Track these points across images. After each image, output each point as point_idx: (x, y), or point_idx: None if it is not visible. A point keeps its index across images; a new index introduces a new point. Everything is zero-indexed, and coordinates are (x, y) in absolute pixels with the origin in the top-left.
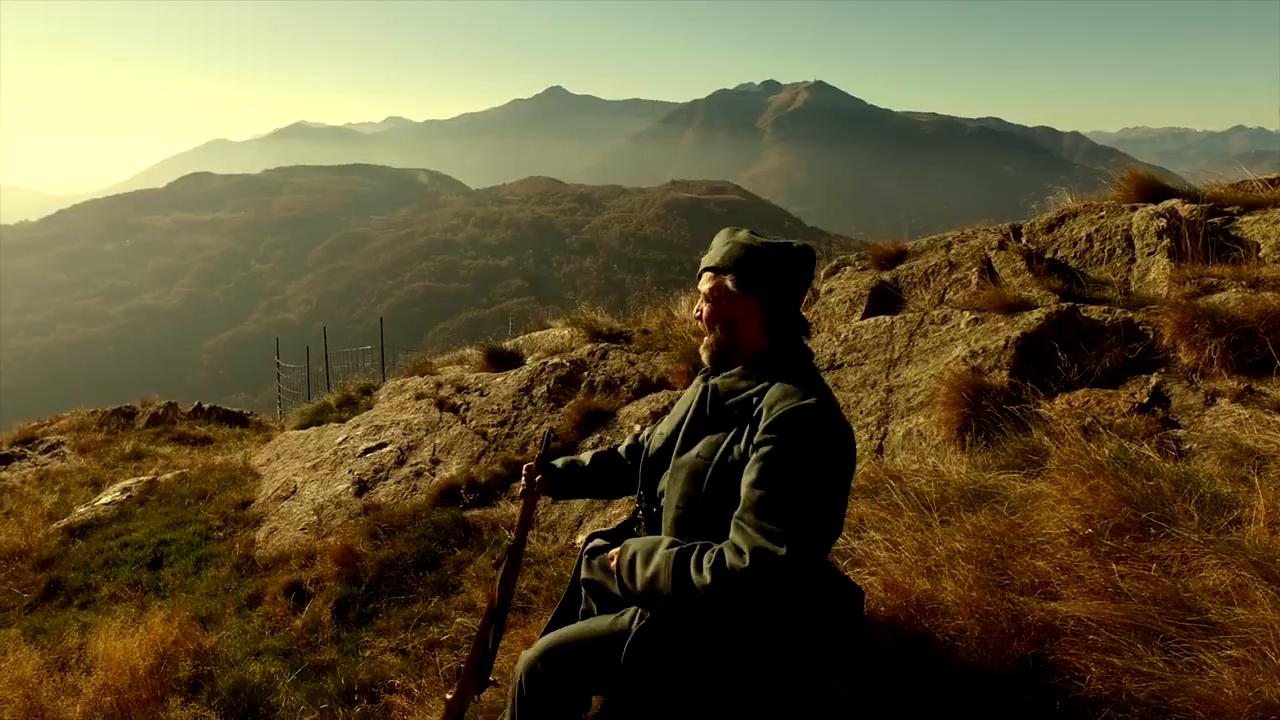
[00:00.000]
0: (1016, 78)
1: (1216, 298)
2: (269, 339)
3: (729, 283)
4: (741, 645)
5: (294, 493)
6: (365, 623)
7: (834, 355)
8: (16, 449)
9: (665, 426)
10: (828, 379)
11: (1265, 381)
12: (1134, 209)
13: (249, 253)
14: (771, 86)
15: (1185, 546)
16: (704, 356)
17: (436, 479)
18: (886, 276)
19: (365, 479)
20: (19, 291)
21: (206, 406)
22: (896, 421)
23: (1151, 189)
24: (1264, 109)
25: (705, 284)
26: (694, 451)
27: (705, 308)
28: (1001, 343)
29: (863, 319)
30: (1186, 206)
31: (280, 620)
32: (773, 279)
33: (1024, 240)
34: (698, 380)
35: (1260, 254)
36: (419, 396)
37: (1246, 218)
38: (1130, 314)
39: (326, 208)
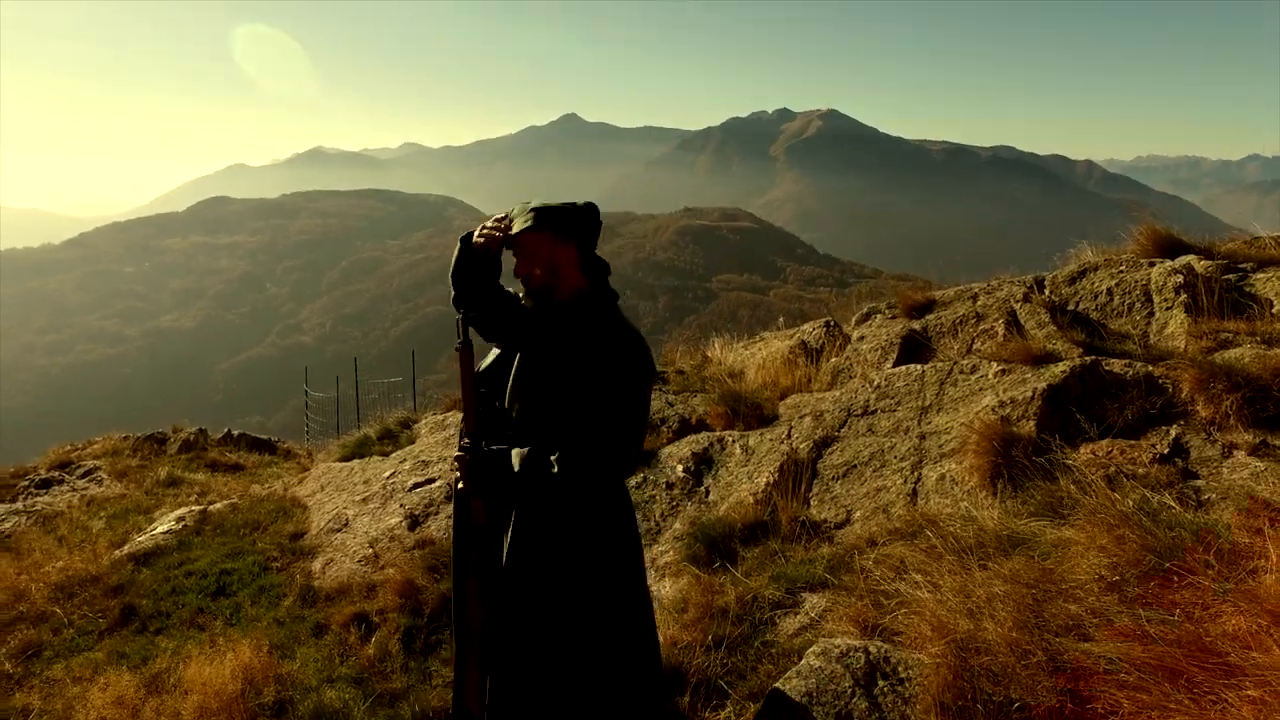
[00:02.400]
0: (1028, 107)
1: (1232, 353)
2: (283, 361)
3: (549, 230)
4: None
5: (346, 525)
6: (431, 652)
7: (868, 401)
8: (55, 473)
9: (490, 358)
10: (861, 425)
11: (1279, 435)
12: (1152, 264)
13: (265, 275)
14: (784, 114)
15: (1206, 594)
16: (526, 299)
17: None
18: (916, 325)
19: (417, 513)
20: (41, 311)
21: (236, 433)
22: (930, 467)
23: (1168, 244)
24: (1279, 137)
25: (527, 242)
26: (533, 370)
27: (529, 256)
28: (1029, 394)
29: (894, 366)
30: (1202, 263)
31: (349, 649)
32: (583, 227)
33: (1047, 292)
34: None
35: (1274, 310)
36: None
37: (1260, 275)
38: (1150, 368)
39: (342, 232)
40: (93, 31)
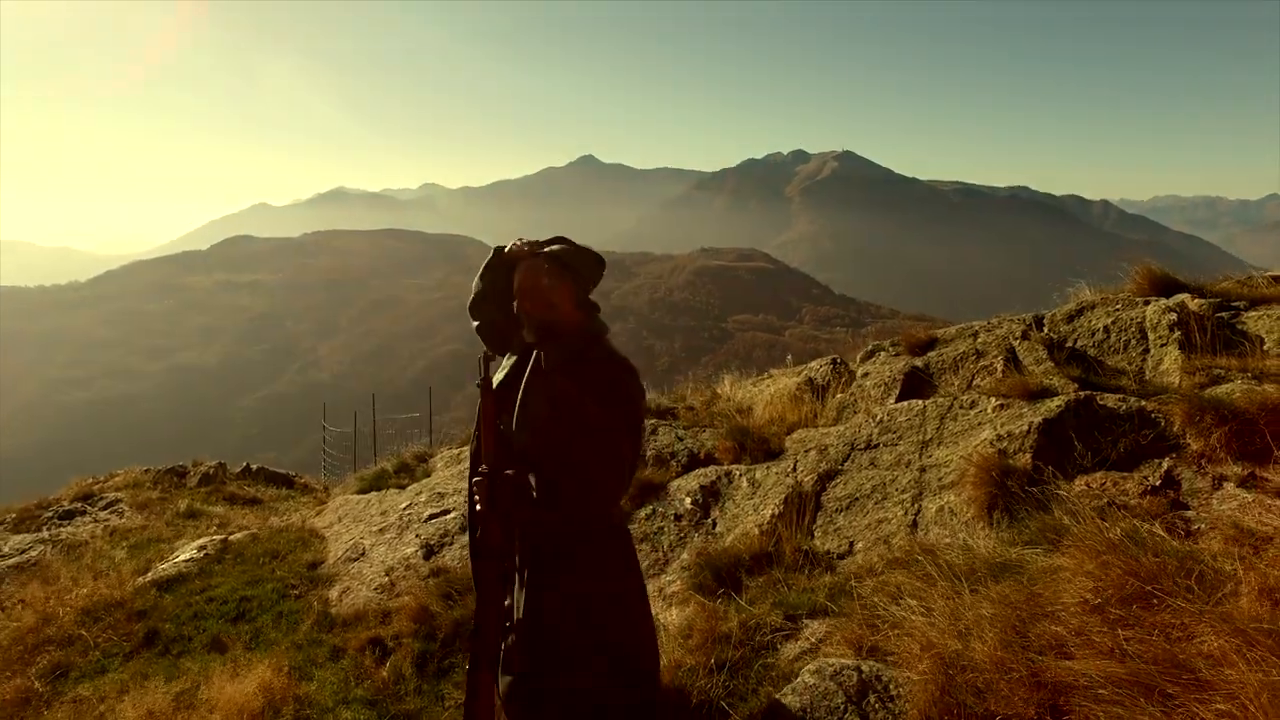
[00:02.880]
0: (1042, 148)
1: (1223, 389)
2: (300, 398)
3: (548, 269)
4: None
5: (363, 555)
6: (444, 676)
7: (870, 436)
8: (78, 505)
9: (500, 378)
10: (864, 458)
11: (1267, 468)
12: (1147, 302)
13: (285, 313)
14: (799, 156)
15: (1184, 616)
16: (527, 335)
17: None
18: (918, 362)
19: (432, 543)
20: (66, 348)
21: (254, 468)
22: (929, 499)
23: (1163, 283)
24: None
25: (535, 273)
26: (536, 401)
27: (528, 293)
28: (1025, 427)
29: (897, 402)
30: (1196, 301)
31: (365, 672)
32: (580, 268)
33: (1046, 330)
34: (518, 350)
35: (1265, 348)
36: None
37: (1252, 313)
38: (1143, 402)
39: (361, 270)
40: (125, 77)
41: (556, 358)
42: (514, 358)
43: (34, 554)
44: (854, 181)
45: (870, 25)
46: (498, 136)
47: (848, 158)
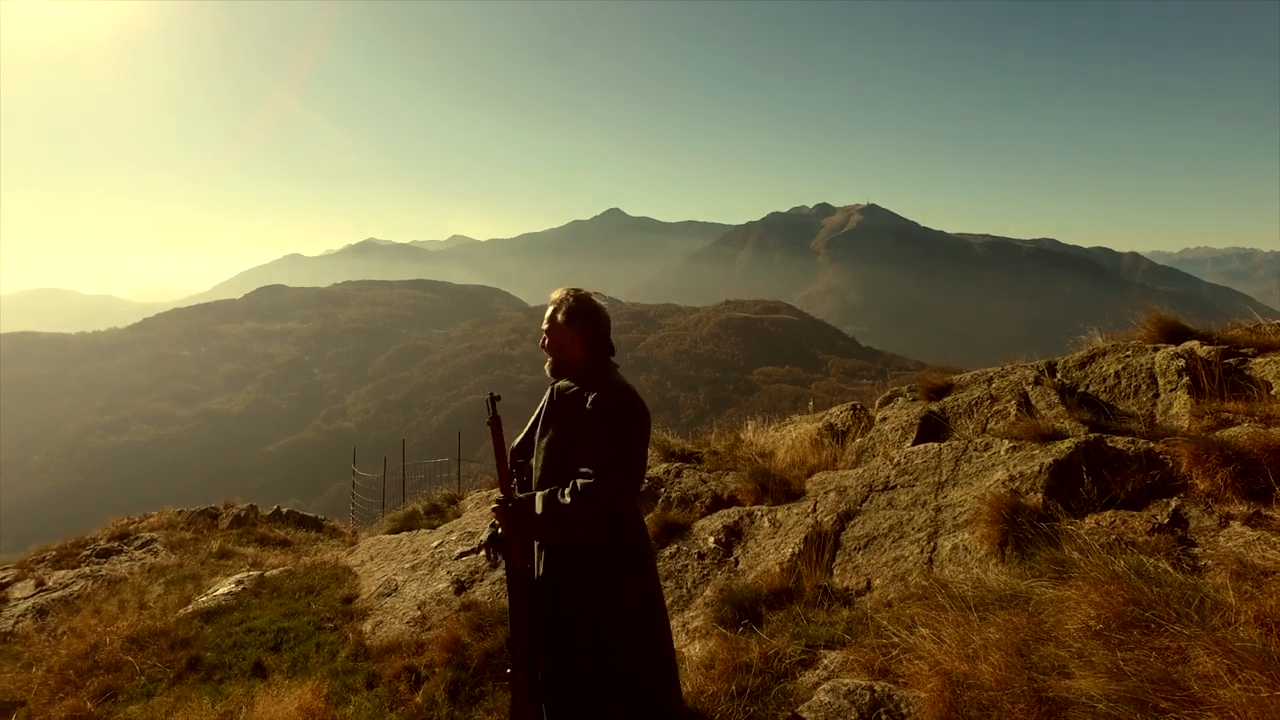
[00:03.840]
0: (1068, 200)
1: (1230, 432)
2: (325, 446)
3: (560, 319)
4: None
5: (395, 590)
6: (475, 703)
7: (888, 477)
8: (114, 544)
9: (528, 425)
10: (882, 499)
11: (1272, 507)
12: (1156, 349)
13: (314, 361)
14: (825, 209)
15: (1181, 640)
16: (547, 369)
17: None
18: (935, 407)
19: (463, 579)
20: (102, 393)
21: (285, 510)
22: (944, 537)
23: (1173, 330)
24: None
25: (546, 322)
26: (550, 432)
27: (546, 337)
28: (1036, 468)
29: (914, 445)
30: (1204, 348)
31: (400, 698)
32: (584, 319)
33: (1058, 376)
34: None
35: (1271, 392)
36: None
37: (1259, 359)
38: (1151, 444)
39: (390, 320)
40: (172, 133)
41: (565, 389)
42: (546, 393)
43: (76, 588)
44: (880, 234)
45: (895, 78)
46: (526, 190)
47: (873, 210)
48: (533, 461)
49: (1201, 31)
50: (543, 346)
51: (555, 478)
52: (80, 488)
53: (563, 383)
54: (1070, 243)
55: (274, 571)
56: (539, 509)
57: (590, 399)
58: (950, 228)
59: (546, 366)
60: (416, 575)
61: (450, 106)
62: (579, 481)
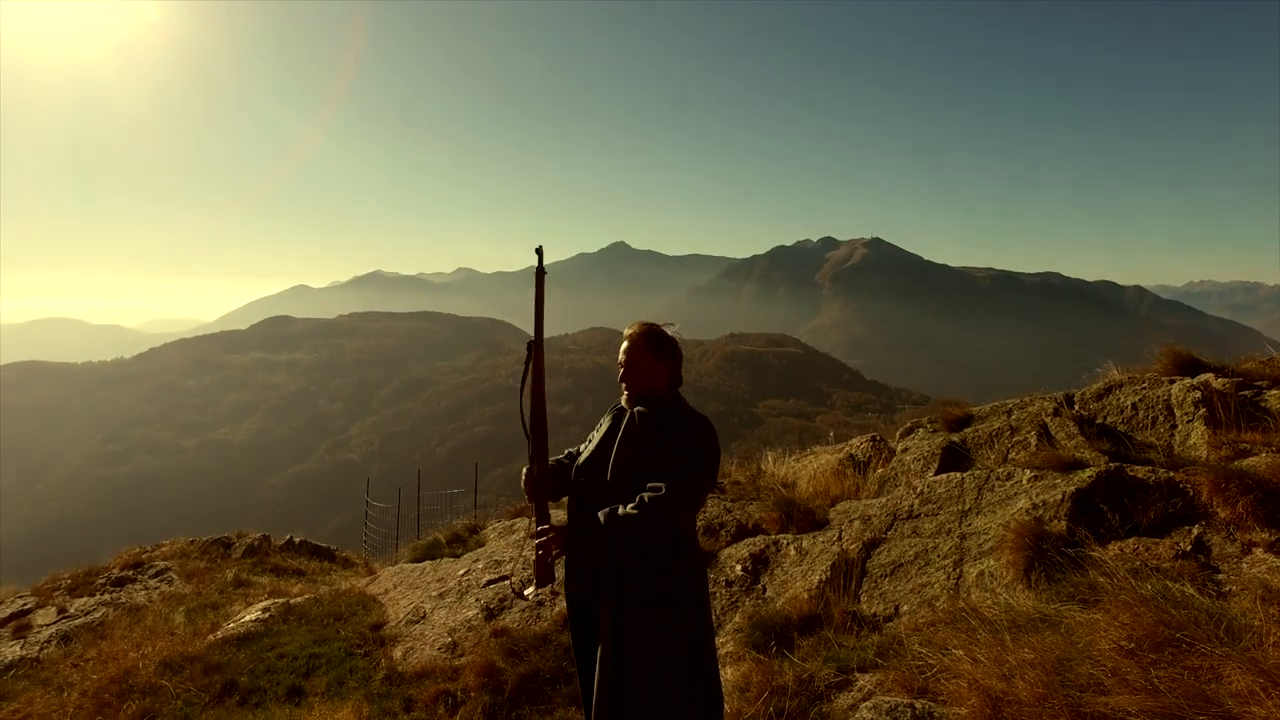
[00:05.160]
0: (1074, 233)
1: (1248, 461)
2: (329, 477)
3: (653, 351)
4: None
5: (424, 617)
6: None
7: (912, 506)
8: (128, 573)
9: (591, 446)
10: (906, 527)
11: None
12: (1172, 381)
13: (319, 392)
14: (829, 243)
15: (1213, 660)
16: (625, 399)
17: (557, 609)
18: (955, 438)
19: (492, 606)
20: (107, 422)
21: (298, 540)
22: (970, 564)
23: (1187, 363)
24: None
25: (633, 353)
26: (624, 456)
27: (632, 367)
28: (1059, 497)
29: (936, 474)
30: (1219, 380)
31: None
32: (674, 352)
33: (1076, 407)
34: (612, 413)
35: None
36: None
37: (1273, 391)
38: (1171, 473)
39: (395, 352)
40: (180, 165)
41: (648, 415)
42: (608, 419)
43: (98, 615)
44: (884, 268)
45: (897, 111)
46: (531, 222)
47: (877, 244)
48: (607, 477)
49: (1205, 72)
50: (622, 376)
51: (626, 490)
52: (81, 518)
53: (638, 408)
54: (1074, 275)
55: (300, 599)
56: (602, 521)
57: (671, 426)
58: (954, 261)
59: (625, 394)
60: (445, 603)
61: (457, 139)
62: (645, 495)
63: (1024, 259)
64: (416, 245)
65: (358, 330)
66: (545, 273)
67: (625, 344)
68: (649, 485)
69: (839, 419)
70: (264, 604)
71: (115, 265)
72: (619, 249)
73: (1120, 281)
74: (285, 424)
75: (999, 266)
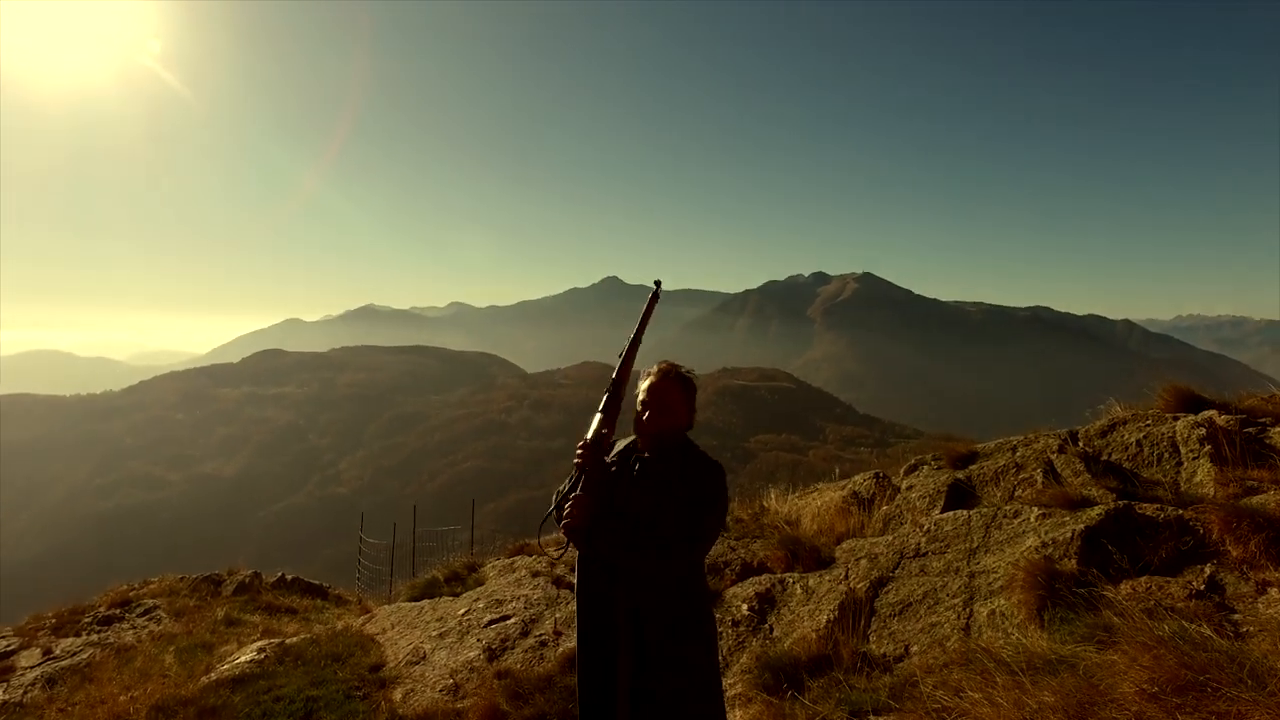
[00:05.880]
0: (1062, 267)
1: (1257, 499)
2: (319, 511)
3: (682, 391)
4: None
5: (424, 658)
6: None
7: (919, 544)
8: (115, 611)
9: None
10: (914, 566)
11: None
12: (1176, 418)
13: (309, 426)
14: (820, 277)
15: (1240, 705)
16: (639, 439)
17: (561, 649)
18: (960, 475)
19: (494, 647)
20: (94, 456)
21: (289, 578)
22: (980, 603)
23: (1189, 399)
24: None
25: (660, 391)
26: (639, 496)
27: (660, 407)
28: (1068, 535)
29: (942, 512)
30: (1223, 417)
31: None
32: (694, 394)
33: (1080, 444)
34: (620, 452)
35: None
36: (535, 574)
37: (1278, 428)
38: (1180, 511)
39: (387, 386)
40: (169, 196)
41: (668, 457)
42: (619, 458)
43: (85, 656)
44: (875, 302)
45: (886, 146)
46: (524, 257)
47: (868, 279)
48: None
49: (1188, 107)
50: (649, 417)
51: (645, 521)
52: (67, 553)
53: (654, 448)
54: (1064, 310)
55: (295, 639)
56: (624, 558)
57: (689, 468)
58: (945, 295)
59: (641, 435)
60: (445, 643)
61: (452, 174)
62: (667, 535)
63: (1015, 293)
64: (409, 279)
65: (349, 364)
66: (658, 299)
67: (653, 382)
68: (669, 525)
69: (831, 453)
70: (258, 644)
71: (105, 298)
72: (611, 284)
73: (1109, 315)
74: (274, 458)
75: (990, 301)
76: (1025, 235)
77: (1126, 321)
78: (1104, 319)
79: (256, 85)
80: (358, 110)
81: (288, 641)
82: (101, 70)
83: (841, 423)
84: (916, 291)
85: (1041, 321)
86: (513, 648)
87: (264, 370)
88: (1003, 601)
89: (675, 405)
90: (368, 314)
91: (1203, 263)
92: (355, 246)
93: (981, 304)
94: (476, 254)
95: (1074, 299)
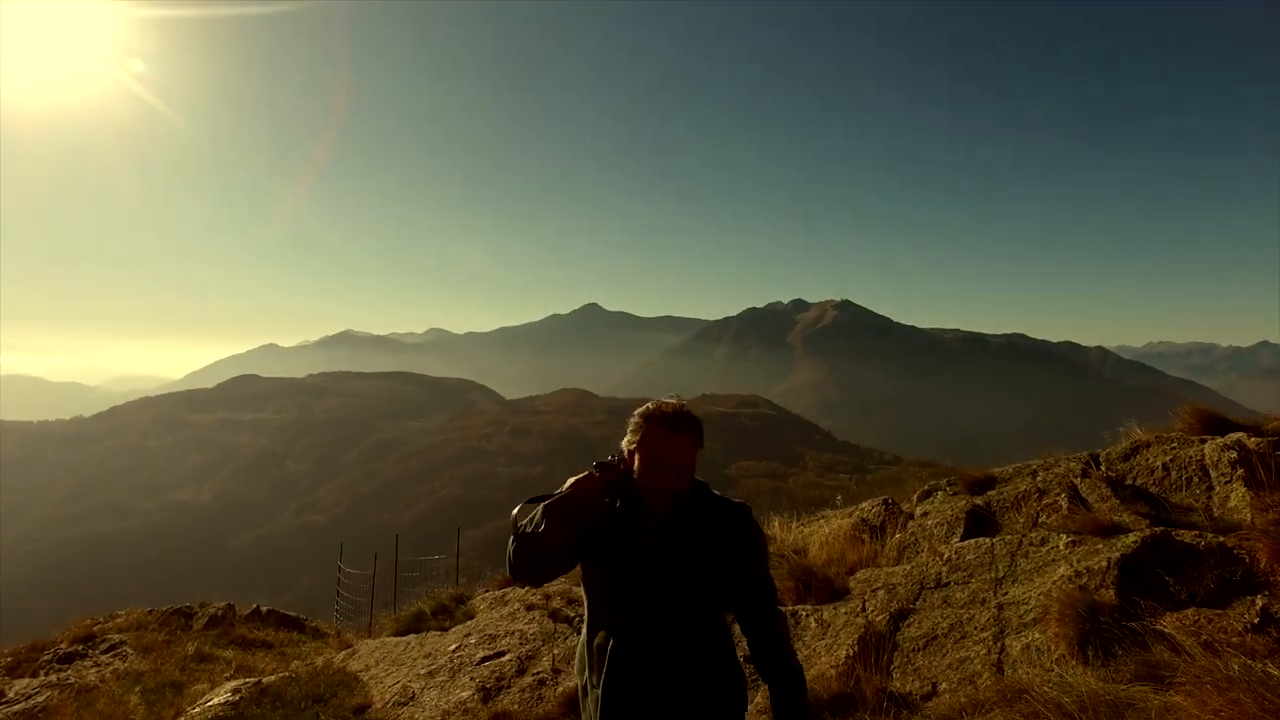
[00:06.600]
0: (1037, 296)
1: None
2: (294, 539)
3: (696, 441)
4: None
5: (413, 699)
6: None
7: (940, 574)
8: (77, 647)
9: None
10: (936, 597)
11: None
12: (1203, 441)
13: (286, 453)
14: (799, 305)
15: None
16: (658, 499)
17: (560, 688)
18: (979, 501)
19: (488, 686)
20: (65, 483)
21: (265, 610)
22: (1012, 637)
23: (1213, 421)
24: None
25: (685, 448)
26: (686, 571)
27: (678, 466)
28: (1104, 564)
29: (962, 540)
30: (1253, 439)
31: None
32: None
33: (1103, 468)
34: (624, 516)
35: None
36: (529, 608)
37: None
38: (1222, 538)
39: (365, 412)
40: (144, 222)
41: (703, 516)
42: (615, 519)
43: (41, 699)
44: (854, 329)
45: (863, 174)
46: (504, 282)
47: (846, 307)
48: (650, 578)
49: (1159, 140)
50: (664, 480)
51: (693, 599)
52: (33, 584)
53: (665, 506)
54: (1039, 337)
55: (273, 678)
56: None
57: (727, 526)
58: (922, 322)
59: (662, 497)
60: (435, 682)
61: (430, 200)
62: (779, 636)
63: (990, 320)
64: (388, 306)
65: (327, 390)
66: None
67: (665, 436)
68: (764, 612)
69: (811, 480)
70: (233, 684)
71: (77, 323)
72: (591, 311)
73: (1083, 343)
74: (250, 485)
75: (966, 328)
76: (1001, 263)
77: (1100, 348)
78: (1078, 345)
79: (231, 105)
80: (335, 135)
81: (265, 680)
82: (76, 87)
83: (821, 449)
84: (894, 319)
85: (1017, 348)
86: (509, 687)
87: (240, 396)
88: (1037, 635)
89: (691, 463)
90: (346, 340)
91: (1171, 291)
92: (334, 272)
93: (958, 331)
94: (456, 280)
95: (1049, 326)
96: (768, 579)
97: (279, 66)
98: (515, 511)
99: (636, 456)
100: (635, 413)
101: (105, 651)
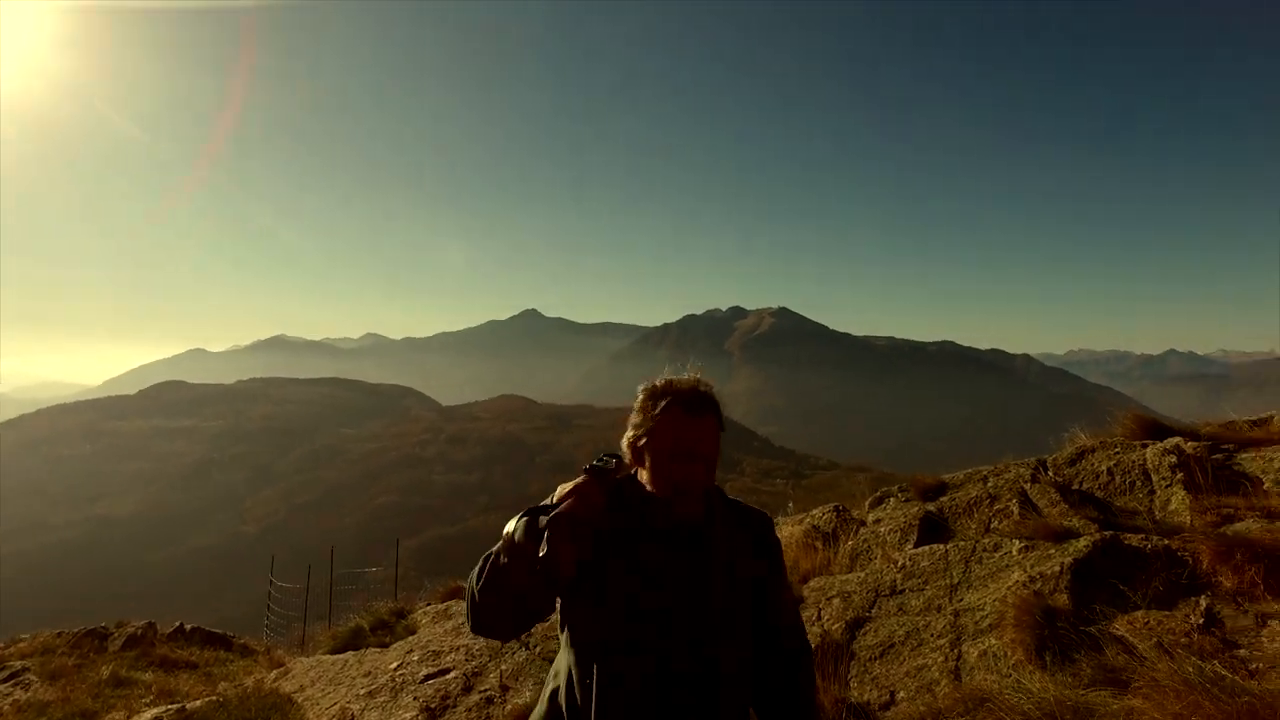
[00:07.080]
0: (965, 303)
1: (1239, 526)
2: (223, 552)
3: (720, 425)
4: None
5: None
6: None
7: (894, 581)
8: None
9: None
10: (891, 604)
11: None
12: (1144, 445)
13: (215, 462)
14: (737, 311)
15: None
16: (683, 501)
17: (509, 706)
18: (932, 507)
19: (433, 706)
20: None
21: (189, 628)
22: (969, 644)
23: (1153, 427)
24: (1193, 333)
25: (708, 435)
26: (725, 596)
27: (710, 458)
28: (1057, 568)
29: (916, 547)
30: (1190, 444)
31: None
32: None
33: (1050, 473)
34: (637, 534)
35: (1264, 487)
36: None
37: (1244, 454)
38: (1167, 541)
39: (300, 419)
40: (49, 210)
41: (734, 527)
42: (613, 537)
43: None
44: (791, 336)
45: (800, 182)
46: (441, 287)
47: (783, 314)
48: (680, 603)
49: (1079, 147)
50: (688, 476)
51: (739, 621)
52: None
53: (686, 512)
54: (968, 344)
55: (198, 703)
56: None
57: (754, 537)
58: (857, 330)
59: (689, 501)
60: (376, 703)
61: (362, 200)
62: (808, 677)
63: (922, 328)
64: (322, 309)
65: (260, 396)
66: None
67: (690, 428)
68: (786, 641)
69: (749, 485)
70: (153, 711)
71: None
72: (530, 316)
73: (1009, 350)
74: (174, 497)
75: (899, 335)
76: (932, 270)
77: (1025, 355)
78: (1005, 353)
79: (143, 95)
80: (235, 118)
81: (189, 706)
82: None
83: (759, 456)
84: (830, 326)
85: (948, 355)
86: (454, 706)
87: (165, 403)
88: (994, 641)
89: (716, 454)
90: (279, 344)
91: (1089, 301)
92: (265, 274)
93: (892, 338)
94: (392, 284)
95: (977, 334)
96: (796, 607)
97: (182, 56)
98: (510, 527)
99: (646, 451)
100: (640, 391)
101: (6, 680)
